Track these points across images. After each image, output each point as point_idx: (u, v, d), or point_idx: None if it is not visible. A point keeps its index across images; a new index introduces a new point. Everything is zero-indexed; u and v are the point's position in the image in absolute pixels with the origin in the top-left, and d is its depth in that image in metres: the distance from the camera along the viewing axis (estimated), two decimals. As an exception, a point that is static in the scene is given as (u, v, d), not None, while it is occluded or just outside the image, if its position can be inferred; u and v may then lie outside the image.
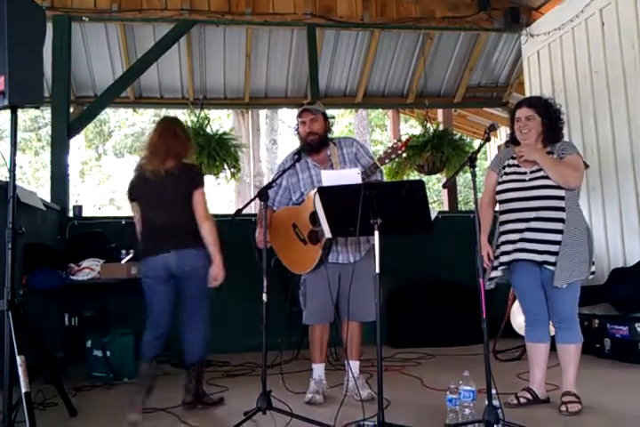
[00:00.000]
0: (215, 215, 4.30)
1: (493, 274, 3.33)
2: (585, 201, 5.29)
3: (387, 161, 3.46)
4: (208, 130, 6.35)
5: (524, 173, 3.25)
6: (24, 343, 2.76)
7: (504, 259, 3.27)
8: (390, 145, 3.54)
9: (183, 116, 6.79)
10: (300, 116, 3.70)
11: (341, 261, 3.60)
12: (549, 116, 3.27)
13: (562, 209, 3.13)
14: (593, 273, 3.20)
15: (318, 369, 3.67)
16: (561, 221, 3.12)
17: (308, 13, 6.36)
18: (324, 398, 3.51)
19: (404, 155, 6.62)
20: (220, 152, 6.26)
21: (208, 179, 6.51)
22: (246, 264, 4.09)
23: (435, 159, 6.89)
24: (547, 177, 3.15)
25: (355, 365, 3.63)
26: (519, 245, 3.18)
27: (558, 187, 3.14)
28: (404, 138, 3.85)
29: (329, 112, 3.82)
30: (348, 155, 3.71)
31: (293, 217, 3.63)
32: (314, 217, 3.48)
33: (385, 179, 4.11)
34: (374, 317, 3.05)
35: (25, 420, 2.61)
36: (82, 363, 4.40)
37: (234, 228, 4.27)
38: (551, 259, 3.12)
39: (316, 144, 3.67)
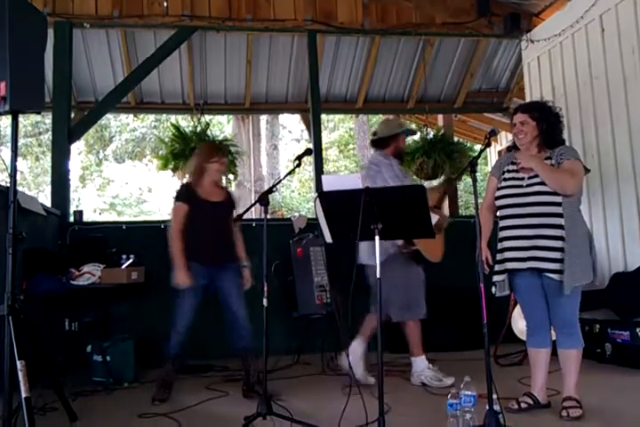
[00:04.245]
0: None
1: (495, 278, 3.33)
2: (585, 205, 5.26)
3: None
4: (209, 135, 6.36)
5: (522, 179, 3.25)
6: (24, 348, 2.75)
7: (508, 265, 3.27)
8: None
9: (184, 121, 6.81)
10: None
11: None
12: (547, 119, 3.26)
13: (560, 215, 3.13)
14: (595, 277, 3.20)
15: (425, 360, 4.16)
16: (560, 227, 3.12)
17: (308, 19, 6.37)
18: None
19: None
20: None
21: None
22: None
23: (426, 165, 6.90)
24: (544, 183, 3.14)
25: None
26: (532, 253, 3.17)
27: (555, 193, 3.13)
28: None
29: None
30: None
31: None
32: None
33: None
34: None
35: (25, 425, 2.61)
36: (82, 368, 4.38)
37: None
38: (551, 266, 3.12)
39: None
